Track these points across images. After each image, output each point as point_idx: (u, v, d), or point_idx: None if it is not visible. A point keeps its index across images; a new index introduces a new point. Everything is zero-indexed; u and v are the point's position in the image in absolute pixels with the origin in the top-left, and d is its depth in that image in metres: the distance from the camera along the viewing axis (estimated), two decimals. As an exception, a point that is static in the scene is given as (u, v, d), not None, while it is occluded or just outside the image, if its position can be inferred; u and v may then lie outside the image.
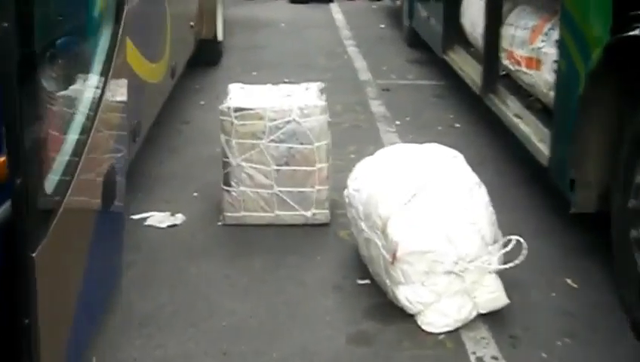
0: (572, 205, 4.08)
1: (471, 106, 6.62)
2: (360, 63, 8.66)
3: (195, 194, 5.10)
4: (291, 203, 4.57)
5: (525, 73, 5.13)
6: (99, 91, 2.86)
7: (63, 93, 2.62)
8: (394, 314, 3.69)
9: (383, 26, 10.91)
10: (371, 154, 4.29)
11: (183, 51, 6.74)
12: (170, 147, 5.96)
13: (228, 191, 4.60)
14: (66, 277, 2.53)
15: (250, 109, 4.52)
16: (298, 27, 10.72)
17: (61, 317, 2.50)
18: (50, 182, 2.34)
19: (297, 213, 4.59)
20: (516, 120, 5.20)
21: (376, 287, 3.88)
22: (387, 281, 3.70)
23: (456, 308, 3.59)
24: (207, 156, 5.43)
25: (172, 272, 4.12)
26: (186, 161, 5.70)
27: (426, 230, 3.57)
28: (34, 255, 2.10)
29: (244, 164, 4.54)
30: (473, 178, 3.88)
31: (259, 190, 4.57)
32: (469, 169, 3.95)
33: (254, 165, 4.54)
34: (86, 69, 2.89)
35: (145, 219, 4.71)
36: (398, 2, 10.42)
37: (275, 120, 4.49)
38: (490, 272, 3.64)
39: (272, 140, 4.50)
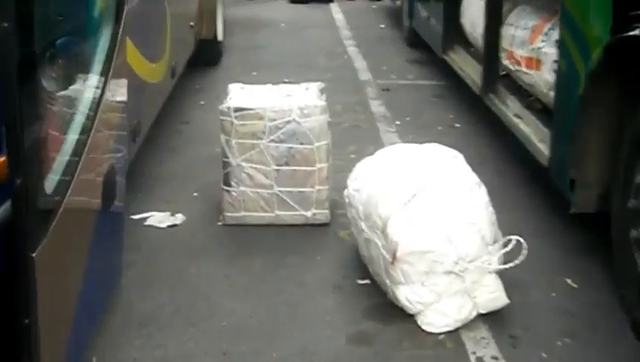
0: (572, 205, 4.08)
1: (471, 106, 6.62)
2: (360, 63, 8.66)
3: (195, 194, 5.10)
4: (291, 203, 4.57)
5: (525, 73, 5.13)
6: (99, 91, 2.86)
7: (63, 93, 2.62)
8: (394, 314, 3.68)
9: (383, 26, 10.91)
10: (371, 154, 4.29)
11: (183, 51, 6.74)
12: (170, 147, 5.96)
13: (228, 191, 4.60)
14: (65, 277, 2.53)
15: (250, 109, 4.52)
16: (298, 27, 10.72)
17: (61, 317, 2.50)
18: (50, 182, 2.34)
19: (297, 213, 4.58)
20: (516, 120, 5.20)
21: (376, 287, 3.88)
22: (387, 281, 3.70)
23: (456, 308, 3.59)
24: (207, 156, 5.42)
25: (172, 272, 4.12)
26: (186, 161, 5.69)
27: (426, 230, 3.57)
28: (34, 255, 2.10)
29: (244, 164, 4.54)
30: (473, 178, 3.87)
31: (259, 190, 4.57)
32: (469, 169, 3.95)
33: (254, 165, 4.54)
34: (86, 69, 2.89)
35: (145, 219, 4.70)
36: (398, 2, 10.42)
37: (275, 120, 4.49)
38: (490, 272, 3.64)
39: (272, 140, 4.50)
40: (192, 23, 7.13)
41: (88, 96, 2.80)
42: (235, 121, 4.51)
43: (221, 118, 4.57)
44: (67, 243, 2.49)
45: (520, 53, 5.20)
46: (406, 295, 3.63)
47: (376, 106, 7.02)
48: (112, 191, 3.01)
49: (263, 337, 3.56)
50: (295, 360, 3.41)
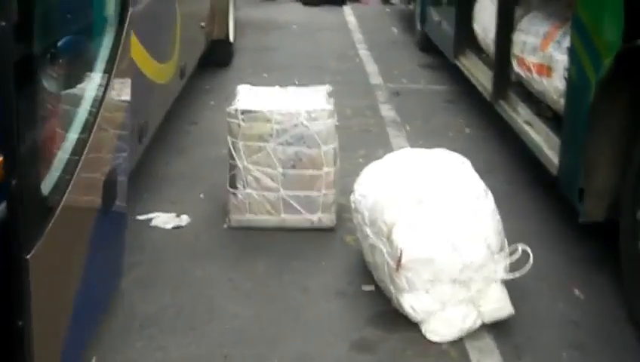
0: (580, 214, 4.04)
1: (482, 112, 6.57)
2: (371, 67, 8.62)
3: (202, 195, 5.07)
4: (297, 206, 4.53)
5: (536, 80, 5.09)
6: (101, 91, 2.83)
7: (62, 93, 2.59)
8: (398, 321, 3.65)
9: (395, 29, 10.88)
10: (380, 158, 4.24)
11: (193, 52, 6.72)
12: (178, 147, 5.94)
13: (234, 193, 4.57)
14: (62, 278, 2.50)
15: (258, 112, 4.49)
16: (310, 29, 10.70)
17: (57, 319, 2.48)
18: (48, 183, 2.32)
19: (303, 216, 4.55)
20: (526, 127, 5.16)
21: (380, 294, 3.84)
22: (391, 288, 3.67)
23: (461, 317, 3.55)
24: (215, 157, 5.39)
25: (175, 274, 4.10)
26: (194, 162, 5.67)
27: (432, 237, 3.53)
28: (28, 257, 2.08)
29: (250, 166, 4.51)
30: (480, 185, 3.83)
31: (265, 193, 4.54)
32: (476, 176, 3.91)
33: (261, 168, 4.51)
34: (88, 69, 2.87)
35: (150, 219, 4.68)
36: (411, 6, 10.39)
37: (282, 123, 4.46)
38: (495, 281, 3.59)
39: (279, 143, 4.47)
40: (202, 24, 7.11)
41: (90, 95, 2.78)
42: (242, 123, 4.48)
43: (228, 119, 4.54)
44: (65, 244, 2.47)
45: (531, 59, 5.16)
46: (410, 302, 3.59)
47: (387, 110, 6.98)
48: (113, 192, 2.98)
49: (264, 342, 3.53)
50: (296, 366, 3.39)
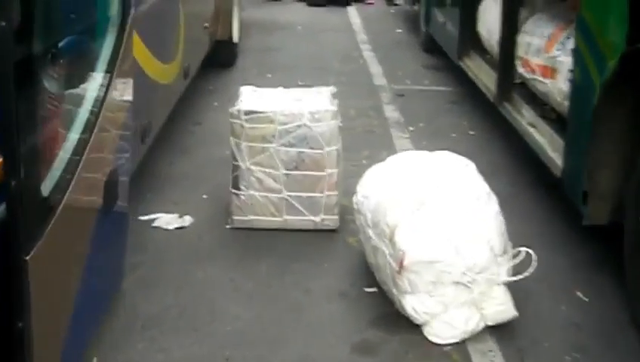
0: (584, 217, 4.02)
1: (486, 114, 6.55)
2: (375, 68, 8.61)
3: (205, 196, 5.06)
4: (300, 208, 4.52)
5: (540, 82, 5.07)
6: (102, 91, 2.82)
7: (63, 93, 2.58)
8: (400, 323, 3.63)
9: (400, 30, 10.86)
10: (384, 159, 4.23)
11: (197, 52, 6.71)
12: (182, 148, 5.93)
13: (237, 194, 4.56)
14: (62, 279, 2.49)
15: (261, 112, 4.48)
16: (315, 30, 10.69)
17: (57, 319, 2.47)
18: (48, 184, 2.31)
19: (306, 218, 4.54)
20: (530, 129, 5.14)
21: (383, 296, 3.83)
22: (394, 290, 3.65)
23: (464, 320, 3.54)
24: (219, 158, 5.38)
25: (177, 275, 4.09)
26: (197, 163, 5.66)
27: (434, 239, 3.52)
28: (27, 258, 2.07)
29: (253, 167, 4.50)
30: (484, 187, 3.82)
31: (268, 194, 4.53)
32: (480, 178, 3.90)
33: (264, 169, 4.50)
34: (89, 69, 2.86)
35: (153, 220, 4.67)
36: (416, 7, 10.37)
37: (285, 124, 4.45)
38: (498, 284, 3.58)
39: (282, 144, 4.46)
40: (206, 24, 7.10)
41: (91, 95, 2.77)
42: (245, 124, 4.47)
43: (231, 120, 4.53)
44: (65, 245, 2.46)
45: (535, 61, 5.15)
46: (412, 305, 3.57)
47: (391, 112, 6.97)
48: (114, 192, 2.97)
49: (266, 343, 3.52)
50: (297, 367, 3.38)
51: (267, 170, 4.50)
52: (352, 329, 3.64)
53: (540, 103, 5.32)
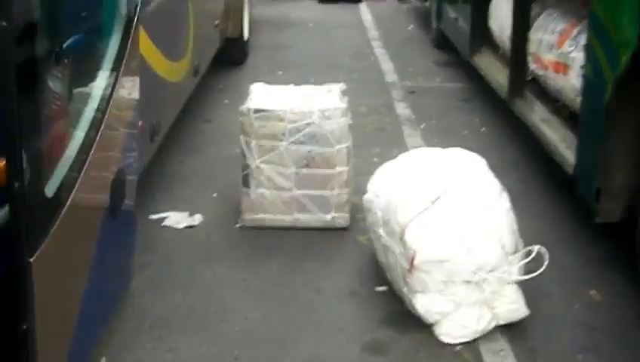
0: (597, 214, 3.98)
1: (497, 110, 6.51)
2: (387, 65, 8.58)
3: (215, 194, 5.05)
4: (310, 206, 4.50)
5: (552, 78, 5.03)
6: (108, 90, 2.80)
7: (67, 92, 2.56)
8: (411, 323, 3.60)
9: (411, 27, 10.82)
10: (395, 157, 4.20)
11: (207, 50, 6.69)
12: (192, 146, 5.91)
13: (247, 192, 4.54)
14: (68, 280, 2.47)
15: (271, 110, 4.45)
16: (326, 27, 10.66)
17: (63, 320, 2.45)
18: (52, 185, 2.28)
19: (316, 216, 4.51)
20: (542, 125, 5.10)
21: (393, 295, 3.80)
22: (404, 289, 3.62)
23: (475, 319, 3.51)
24: (229, 156, 5.35)
25: (187, 274, 4.07)
26: (207, 161, 5.65)
27: (445, 238, 3.49)
28: (31, 260, 2.05)
29: (263, 165, 4.48)
30: (495, 184, 3.78)
31: (278, 192, 4.50)
32: (491, 175, 3.86)
33: (274, 167, 4.47)
34: (94, 68, 2.83)
35: (162, 219, 4.66)
36: (427, 3, 10.33)
37: (295, 122, 4.42)
38: (510, 282, 3.54)
39: (292, 142, 4.43)
40: (216, 22, 7.08)
41: (97, 94, 2.74)
42: (255, 123, 4.44)
43: (241, 118, 4.51)
44: (70, 246, 2.43)
45: (547, 57, 5.11)
46: (423, 304, 3.54)
47: (402, 109, 6.93)
48: (121, 192, 2.95)
49: (275, 343, 3.50)
50: (307, 367, 3.35)
51: (277, 168, 4.47)
52: (363, 328, 3.61)
53: (552, 100, 5.28)
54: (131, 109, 3.18)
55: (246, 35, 8.45)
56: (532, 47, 5.47)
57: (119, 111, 2.95)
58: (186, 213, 4.73)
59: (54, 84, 2.36)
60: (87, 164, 2.49)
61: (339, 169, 4.48)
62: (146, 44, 4.13)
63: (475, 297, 3.50)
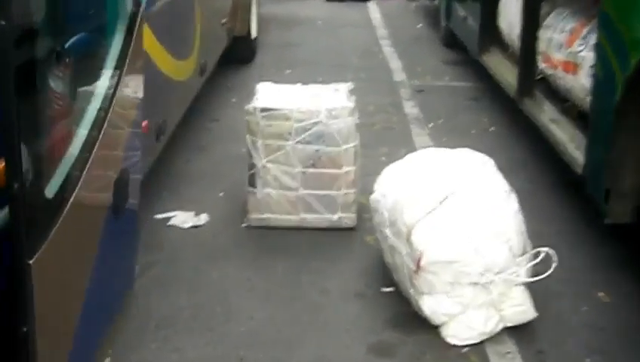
0: (606, 215, 3.94)
1: (506, 110, 6.47)
2: (395, 63, 8.54)
3: (221, 194, 5.02)
4: (317, 206, 4.47)
5: (562, 77, 5.00)
6: (111, 89, 2.77)
7: (69, 91, 2.53)
8: (417, 324, 3.58)
9: (420, 25, 10.78)
10: (403, 157, 4.17)
11: (214, 49, 6.66)
12: (199, 145, 5.89)
13: (253, 192, 4.51)
14: (69, 281, 2.44)
15: (277, 110, 4.42)
16: (334, 25, 10.63)
17: (64, 321, 2.43)
18: (53, 186, 2.26)
19: (323, 216, 4.49)
20: (551, 125, 5.06)
21: (400, 296, 3.77)
22: (411, 290, 3.60)
23: (482, 321, 3.48)
24: (236, 155, 5.32)
25: (192, 274, 4.05)
26: (214, 160, 5.62)
27: (452, 239, 3.46)
28: (31, 262, 2.02)
29: (269, 165, 4.45)
30: (503, 185, 3.75)
31: (284, 192, 4.48)
32: (499, 175, 3.83)
33: (280, 166, 4.45)
34: (97, 67, 2.81)
35: (168, 218, 4.64)
36: (436, 2, 10.29)
37: (302, 121, 4.39)
38: (517, 284, 3.51)
39: (299, 142, 4.40)
40: (224, 21, 7.05)
41: (99, 93, 2.72)
42: (262, 122, 4.42)
43: (247, 117, 4.48)
44: (72, 247, 2.41)
45: (557, 56, 5.07)
46: (430, 305, 3.51)
47: (410, 108, 6.90)
48: (124, 192, 2.92)
49: (281, 344, 3.48)
50: (313, 369, 3.33)
51: (284, 167, 4.45)
52: (369, 329, 3.59)
53: (561, 99, 5.24)
54: (135, 108, 3.15)
55: (254, 33, 8.43)
56: (541, 46, 5.43)
57: (123, 110, 2.92)
58: (192, 213, 4.71)
59: (55, 84, 2.33)
60: (89, 164, 2.47)
61: (346, 169, 4.45)
62: (151, 43, 4.11)
63: (482, 299, 3.47)
